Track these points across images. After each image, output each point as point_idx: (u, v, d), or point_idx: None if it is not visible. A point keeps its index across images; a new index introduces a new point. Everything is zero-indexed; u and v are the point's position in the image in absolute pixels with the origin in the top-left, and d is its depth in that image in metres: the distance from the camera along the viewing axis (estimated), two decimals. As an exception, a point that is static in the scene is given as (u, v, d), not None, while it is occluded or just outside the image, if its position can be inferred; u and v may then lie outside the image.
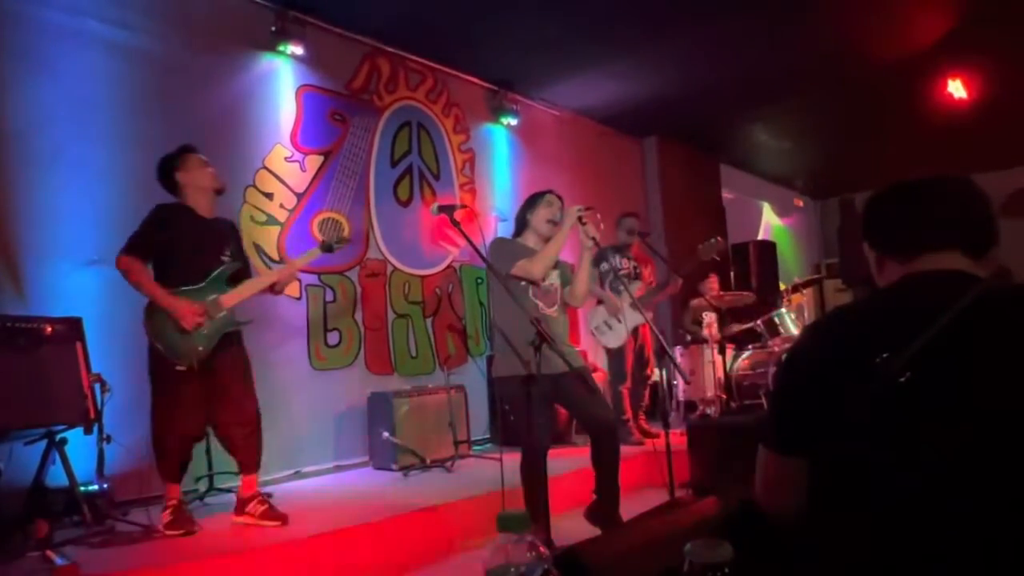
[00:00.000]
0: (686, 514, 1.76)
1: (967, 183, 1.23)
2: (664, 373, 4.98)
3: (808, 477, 1.17)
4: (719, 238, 5.12)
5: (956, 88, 6.33)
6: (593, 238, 2.99)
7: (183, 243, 3.12)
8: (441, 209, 2.81)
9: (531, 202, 3.26)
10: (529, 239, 3.24)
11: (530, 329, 2.60)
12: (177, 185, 3.25)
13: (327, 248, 3.45)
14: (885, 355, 1.04)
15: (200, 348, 3.06)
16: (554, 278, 3.21)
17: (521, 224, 3.28)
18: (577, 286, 3.19)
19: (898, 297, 1.17)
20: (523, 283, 3.09)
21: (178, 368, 3.03)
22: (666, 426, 2.96)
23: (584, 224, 2.98)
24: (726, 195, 8.96)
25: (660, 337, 3.16)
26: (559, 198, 3.25)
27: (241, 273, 3.32)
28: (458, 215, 2.90)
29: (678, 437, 5.26)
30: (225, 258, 3.23)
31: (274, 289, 3.35)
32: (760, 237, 9.31)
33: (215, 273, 3.17)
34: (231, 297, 3.17)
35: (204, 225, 3.23)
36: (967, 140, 7.74)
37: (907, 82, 6.45)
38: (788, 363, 1.23)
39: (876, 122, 7.52)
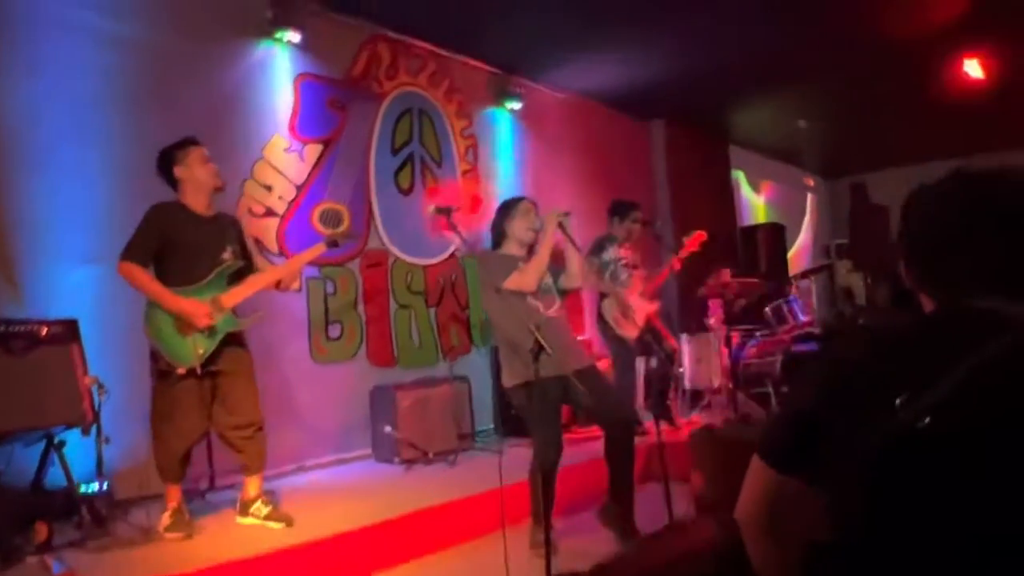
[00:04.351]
0: (687, 541, 1.72)
1: None
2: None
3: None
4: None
5: (973, 68, 6.15)
6: (573, 241, 3.11)
7: (181, 243, 3.07)
8: (438, 211, 2.77)
9: (506, 211, 3.24)
10: (511, 248, 3.22)
11: (531, 336, 2.58)
12: (175, 180, 3.18)
13: (332, 244, 3.40)
14: (906, 396, 0.98)
15: (201, 350, 3.02)
16: (547, 276, 3.19)
17: (499, 234, 3.25)
18: (571, 267, 3.24)
19: (926, 333, 1.10)
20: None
21: (179, 371, 2.99)
22: (659, 431, 2.90)
23: (565, 229, 3.07)
24: None
25: (653, 327, 3.15)
26: (534, 204, 3.26)
27: (243, 271, 3.26)
28: (456, 215, 2.85)
29: (687, 427, 5.29)
30: (226, 256, 3.17)
31: (279, 287, 3.31)
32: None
33: (215, 272, 3.11)
34: (231, 296, 3.12)
35: (203, 223, 3.16)
36: (981, 119, 7.57)
37: (921, 61, 6.28)
38: (803, 387, 1.18)
39: (889, 102, 7.35)
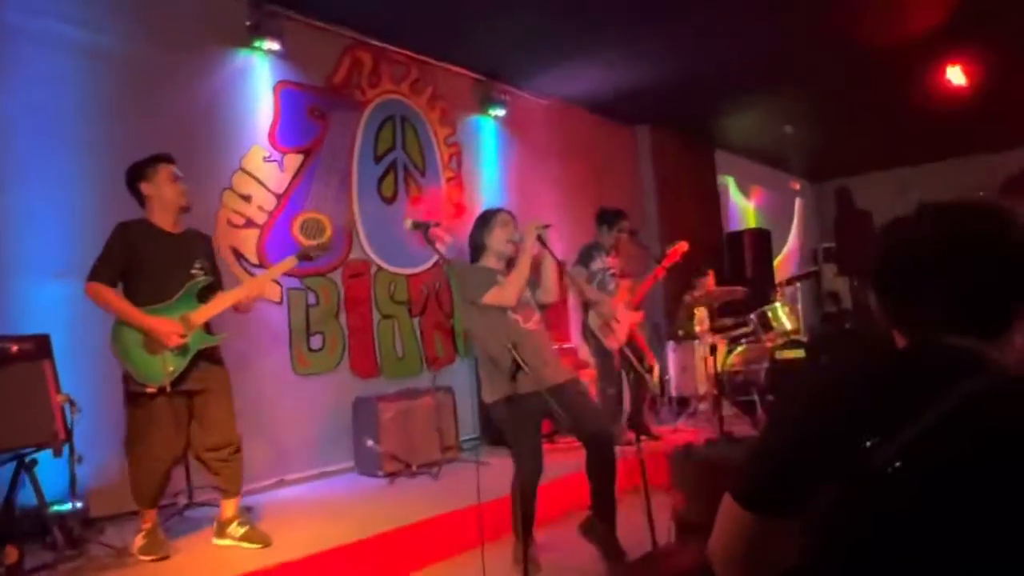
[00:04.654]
0: (670, 567, 1.69)
1: (1004, 237, 1.03)
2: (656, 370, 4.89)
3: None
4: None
5: (955, 75, 6.17)
6: (553, 254, 3.10)
7: (148, 261, 3.01)
8: (415, 226, 2.72)
9: (484, 223, 3.19)
10: (489, 261, 3.18)
11: (510, 355, 2.55)
12: (142, 197, 3.13)
13: (305, 257, 3.34)
14: (875, 439, 0.96)
15: (171, 368, 2.96)
16: (526, 289, 3.17)
17: (478, 247, 3.20)
18: (546, 280, 3.22)
19: (898, 372, 1.07)
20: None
21: (149, 391, 2.93)
22: (640, 447, 2.86)
23: (544, 242, 3.04)
24: None
25: (633, 342, 3.12)
26: (512, 215, 3.22)
27: (213, 287, 3.20)
28: (435, 230, 2.81)
29: (672, 435, 5.27)
30: (196, 271, 3.11)
31: (237, 309, 3.20)
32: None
33: (184, 289, 3.06)
34: (200, 314, 3.06)
35: (170, 241, 3.10)
36: (964, 124, 7.61)
37: (905, 68, 6.29)
38: (775, 428, 1.16)
39: (873, 107, 7.37)
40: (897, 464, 0.96)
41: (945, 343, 1.04)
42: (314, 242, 3.37)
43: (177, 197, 3.12)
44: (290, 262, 3.30)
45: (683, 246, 4.89)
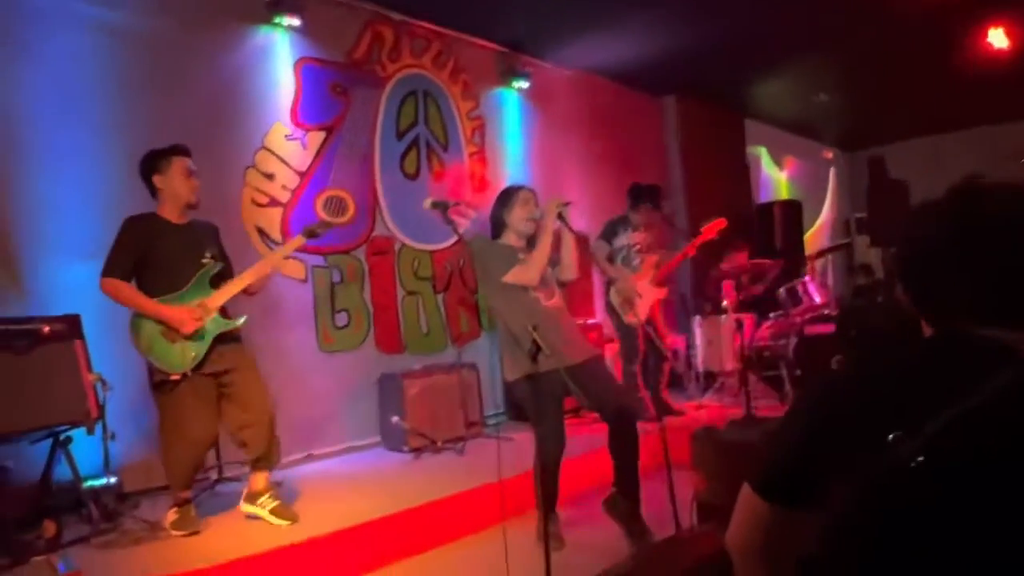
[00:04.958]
0: (691, 553, 1.67)
1: None
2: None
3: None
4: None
5: (997, 37, 5.91)
6: (573, 232, 3.09)
7: (160, 255, 3.04)
8: (434, 206, 2.70)
9: (505, 200, 3.17)
10: (510, 238, 3.16)
11: (530, 336, 2.54)
12: (154, 189, 3.15)
13: (311, 234, 3.35)
14: (899, 432, 0.92)
15: (192, 354, 3.00)
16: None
17: (499, 224, 3.18)
18: (566, 258, 3.19)
19: (923, 363, 1.03)
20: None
21: (173, 378, 2.98)
22: (663, 427, 2.83)
23: (564, 220, 3.01)
24: None
25: (652, 322, 3.05)
26: (533, 193, 3.19)
27: (224, 273, 3.22)
28: (454, 210, 2.79)
29: (696, 411, 5.23)
30: (206, 261, 3.13)
31: (248, 291, 3.21)
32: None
33: (197, 276, 3.09)
34: (216, 299, 3.09)
35: (178, 232, 3.12)
36: (1003, 89, 7.32)
37: (944, 30, 6.04)
38: (796, 418, 1.13)
39: (910, 72, 7.11)
40: (920, 458, 0.93)
41: (973, 333, 0.99)
42: (339, 219, 3.38)
43: (188, 193, 3.13)
44: (298, 241, 3.33)
45: (720, 223, 4.76)
